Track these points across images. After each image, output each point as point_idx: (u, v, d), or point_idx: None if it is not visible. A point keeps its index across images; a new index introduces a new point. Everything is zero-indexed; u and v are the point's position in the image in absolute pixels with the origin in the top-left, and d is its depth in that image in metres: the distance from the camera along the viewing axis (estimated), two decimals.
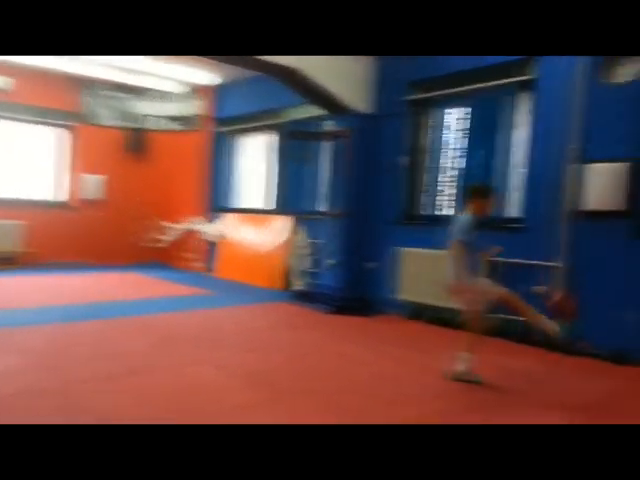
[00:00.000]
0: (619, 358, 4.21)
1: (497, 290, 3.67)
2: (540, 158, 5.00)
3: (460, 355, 3.60)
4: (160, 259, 9.52)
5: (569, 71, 4.72)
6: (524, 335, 4.76)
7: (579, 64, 4.64)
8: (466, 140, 5.77)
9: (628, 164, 4.38)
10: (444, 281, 3.74)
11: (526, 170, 5.18)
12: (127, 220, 9.20)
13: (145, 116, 8.92)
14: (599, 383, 3.78)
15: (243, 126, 8.63)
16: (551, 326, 3.60)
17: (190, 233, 9.31)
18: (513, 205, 5.37)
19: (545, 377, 3.89)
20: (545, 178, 4.89)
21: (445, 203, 5.98)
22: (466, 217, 3.67)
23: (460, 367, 3.58)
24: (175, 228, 9.41)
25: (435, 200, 6.06)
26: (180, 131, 9.33)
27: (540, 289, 4.86)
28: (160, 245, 9.46)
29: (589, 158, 4.61)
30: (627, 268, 4.41)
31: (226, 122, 8.96)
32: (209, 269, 8.96)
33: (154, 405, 2.92)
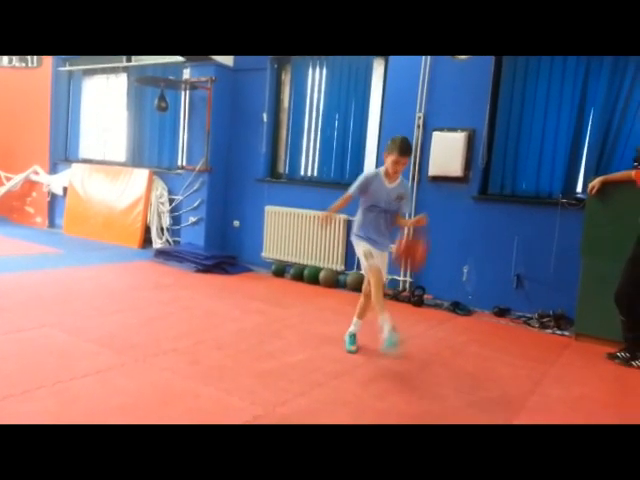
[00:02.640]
0: (456, 308, 4.82)
1: (370, 263, 3.30)
2: (390, 123, 5.35)
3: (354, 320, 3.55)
4: None
5: None
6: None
7: None
8: (326, 102, 5.93)
9: (465, 133, 4.91)
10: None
11: (379, 134, 5.53)
12: None
13: None
14: (438, 330, 4.30)
15: (89, 66, 7.85)
16: (387, 328, 3.14)
17: (31, 184, 8.37)
18: (368, 167, 5.71)
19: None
20: None
21: (309, 163, 6.12)
22: (371, 171, 3.45)
23: (349, 329, 3.56)
24: (13, 178, 8.38)
25: (300, 160, 6.18)
26: (14, 67, 8.22)
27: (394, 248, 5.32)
28: None
29: (433, 126, 5.07)
30: (464, 228, 5.01)
31: (70, 60, 8.08)
32: (53, 225, 8.22)
33: None
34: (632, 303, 3.61)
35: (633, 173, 3.78)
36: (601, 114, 4.47)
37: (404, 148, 3.24)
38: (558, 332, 4.34)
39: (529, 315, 4.61)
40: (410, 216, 5.13)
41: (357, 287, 5.36)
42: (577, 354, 3.87)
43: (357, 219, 3.48)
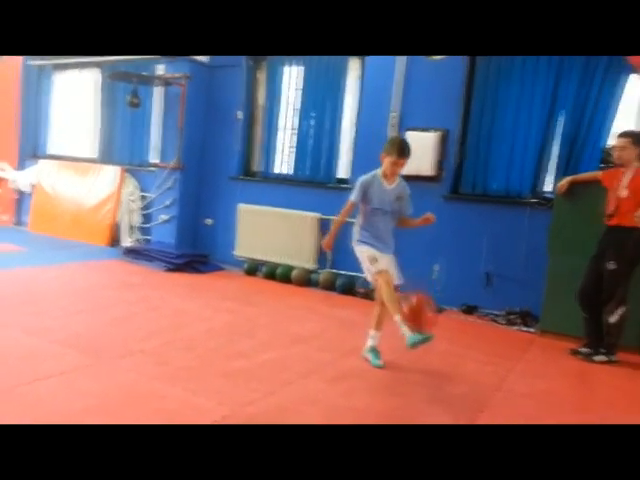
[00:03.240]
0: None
1: (377, 267, 3.22)
2: (365, 122, 5.37)
3: (369, 331, 3.37)
4: None
5: None
6: (348, 287, 5.22)
7: None
8: (302, 100, 5.91)
9: (438, 133, 4.95)
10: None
11: (354, 133, 5.55)
12: None
13: None
14: None
15: (60, 61, 7.66)
16: (406, 332, 3.01)
17: None
18: (342, 166, 5.73)
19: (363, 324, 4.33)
20: (369, 142, 5.26)
21: (284, 161, 6.09)
22: (368, 175, 3.31)
23: (368, 343, 3.37)
24: None
25: (274, 158, 6.15)
26: None
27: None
28: None
29: (407, 126, 5.11)
30: (435, 227, 5.04)
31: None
32: (20, 223, 8.02)
33: None
34: (593, 301, 3.71)
35: (600, 174, 3.88)
36: (571, 115, 4.56)
37: (403, 150, 3.22)
38: (524, 329, 4.43)
39: (497, 312, 4.70)
40: None
41: (329, 286, 5.38)
42: (542, 350, 3.95)
43: (357, 225, 3.37)
